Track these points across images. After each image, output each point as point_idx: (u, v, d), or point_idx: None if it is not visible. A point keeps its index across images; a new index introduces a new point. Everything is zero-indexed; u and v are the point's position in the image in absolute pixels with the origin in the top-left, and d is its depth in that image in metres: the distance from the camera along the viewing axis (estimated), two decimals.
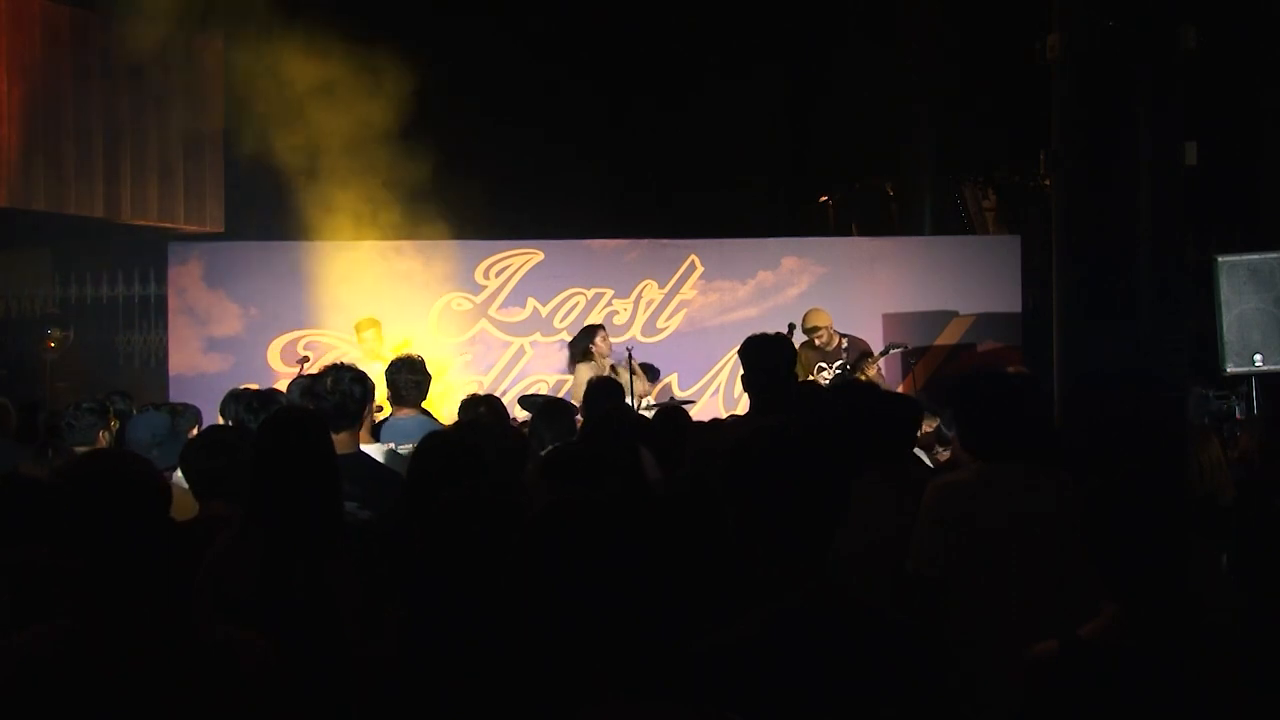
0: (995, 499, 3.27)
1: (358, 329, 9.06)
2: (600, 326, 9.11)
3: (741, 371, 4.74)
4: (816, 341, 8.87)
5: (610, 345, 8.95)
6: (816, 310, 9.02)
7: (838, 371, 8.68)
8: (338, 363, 4.62)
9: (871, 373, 8.59)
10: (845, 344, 8.83)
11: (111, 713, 2.08)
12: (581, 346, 8.98)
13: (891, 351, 9.02)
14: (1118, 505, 2.46)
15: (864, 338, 9.15)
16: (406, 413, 5.19)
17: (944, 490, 3.44)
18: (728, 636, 2.25)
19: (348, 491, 3.76)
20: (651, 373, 9.32)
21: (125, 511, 2.15)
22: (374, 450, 4.63)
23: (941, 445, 5.92)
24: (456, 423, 5.07)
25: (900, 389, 9.27)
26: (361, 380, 4.35)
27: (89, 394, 6.42)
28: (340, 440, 4.17)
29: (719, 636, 2.25)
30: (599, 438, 4.00)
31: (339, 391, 4.23)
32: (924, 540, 3.34)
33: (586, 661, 1.86)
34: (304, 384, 5.71)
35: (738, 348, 4.85)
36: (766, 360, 4.67)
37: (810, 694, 2.19)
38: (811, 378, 8.76)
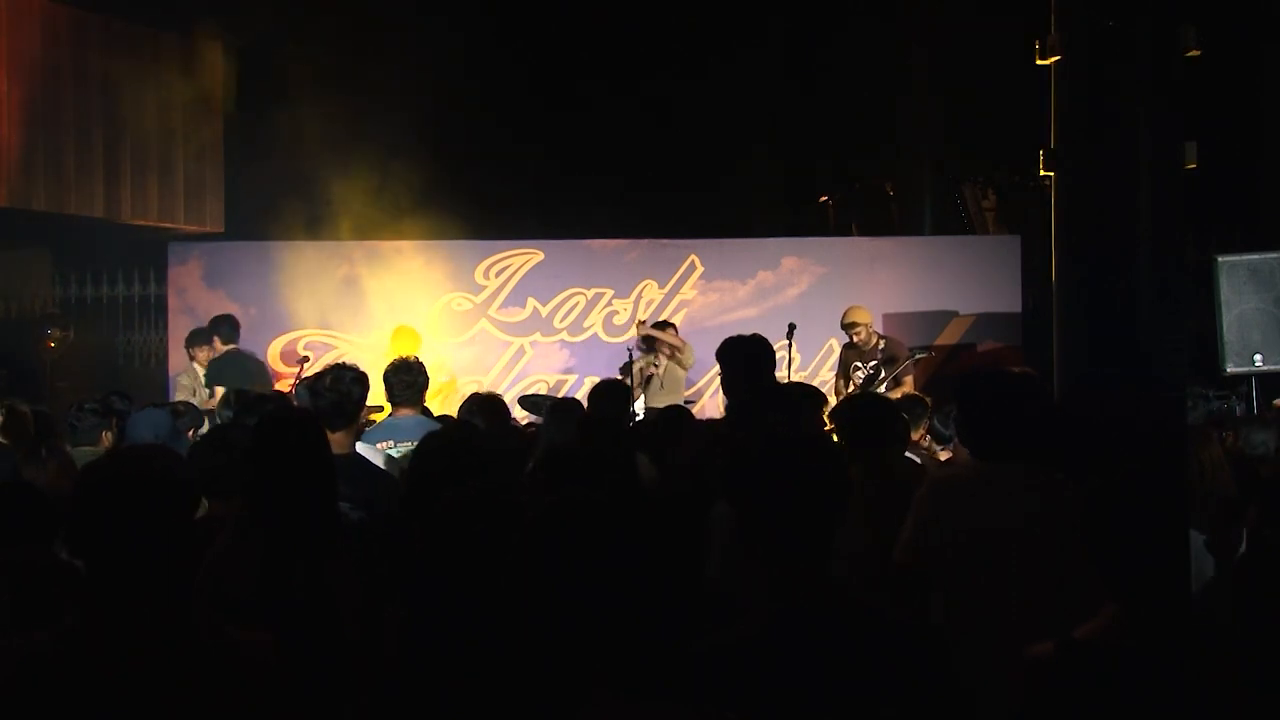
0: (995, 498, 3.28)
1: (395, 337, 9.02)
2: (666, 324, 9.13)
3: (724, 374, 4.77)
4: (855, 339, 8.83)
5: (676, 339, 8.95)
6: (857, 307, 8.95)
7: (870, 372, 8.66)
8: (339, 362, 4.62)
9: (908, 383, 8.57)
10: (882, 345, 8.82)
11: (113, 713, 2.07)
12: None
13: (917, 357, 8.99)
14: (1118, 505, 2.46)
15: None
16: (405, 412, 5.19)
17: (941, 486, 3.44)
18: (728, 636, 2.25)
19: (341, 492, 3.76)
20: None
21: (152, 511, 2.14)
22: (365, 450, 4.62)
23: (940, 444, 5.93)
24: (456, 422, 5.08)
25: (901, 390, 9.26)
26: (361, 381, 4.35)
27: (89, 394, 6.42)
28: (335, 440, 4.16)
29: (719, 636, 2.25)
30: (597, 439, 4.00)
31: (338, 390, 4.22)
32: (912, 533, 3.35)
33: (586, 661, 1.86)
34: (309, 383, 5.71)
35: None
36: (745, 361, 4.68)
37: (810, 694, 2.19)
38: (851, 379, 8.77)
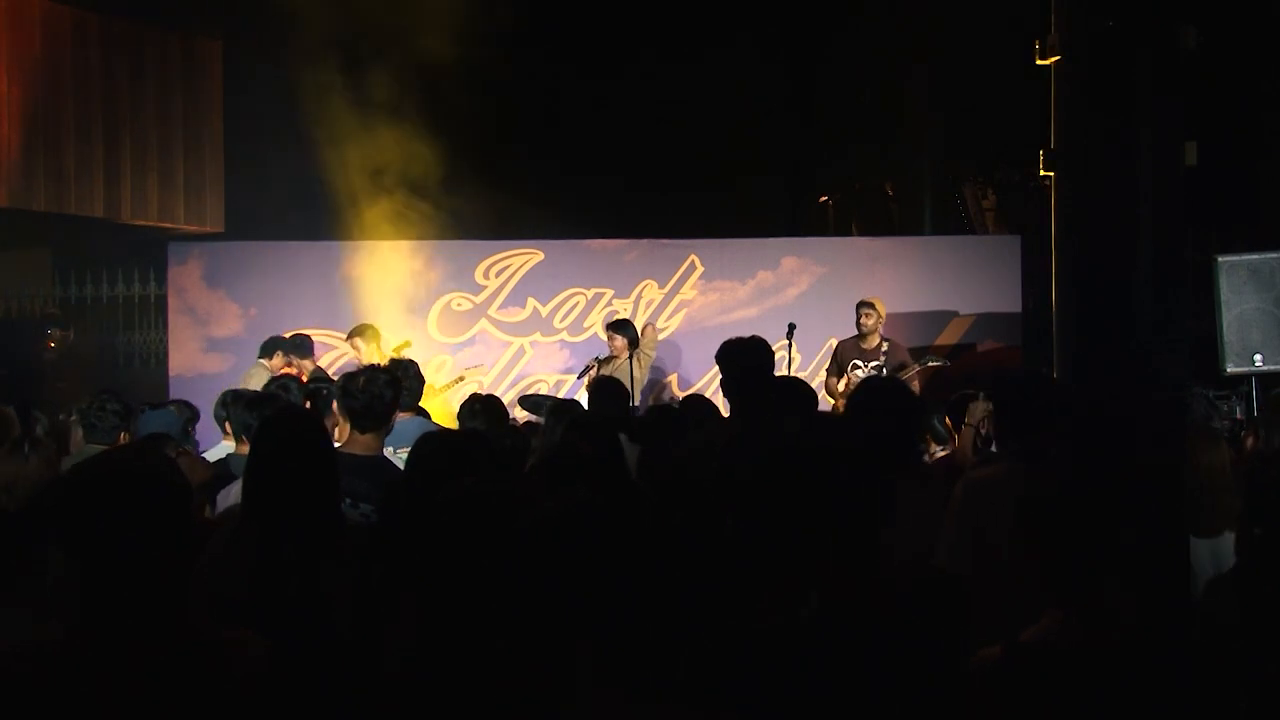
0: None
1: (354, 337, 8.94)
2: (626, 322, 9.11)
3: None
4: (863, 320, 8.73)
5: (620, 344, 8.87)
6: (878, 299, 8.93)
7: (872, 372, 8.62)
8: (373, 364, 4.59)
9: (915, 387, 8.54)
10: (886, 347, 8.78)
11: (110, 713, 2.07)
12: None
13: (930, 364, 8.94)
14: (1056, 511, 2.47)
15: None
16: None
17: (977, 487, 3.45)
18: (739, 635, 2.24)
19: (366, 494, 3.75)
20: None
21: (139, 511, 2.14)
22: None
23: (938, 443, 5.93)
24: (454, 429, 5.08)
25: None
26: (394, 385, 4.32)
27: (89, 394, 6.40)
28: (364, 441, 4.17)
29: (731, 634, 2.24)
30: (588, 438, 3.98)
31: (370, 393, 4.19)
32: (952, 537, 3.36)
33: (584, 660, 1.86)
34: (282, 381, 5.71)
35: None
36: (745, 362, 4.67)
37: (817, 692, 2.19)
38: (847, 376, 8.72)
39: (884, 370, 8.59)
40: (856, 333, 8.88)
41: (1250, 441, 5.32)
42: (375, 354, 8.56)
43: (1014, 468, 3.45)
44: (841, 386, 8.70)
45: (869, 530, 2.31)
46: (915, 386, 8.56)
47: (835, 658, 2.21)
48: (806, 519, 2.30)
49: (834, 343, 9.40)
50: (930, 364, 8.95)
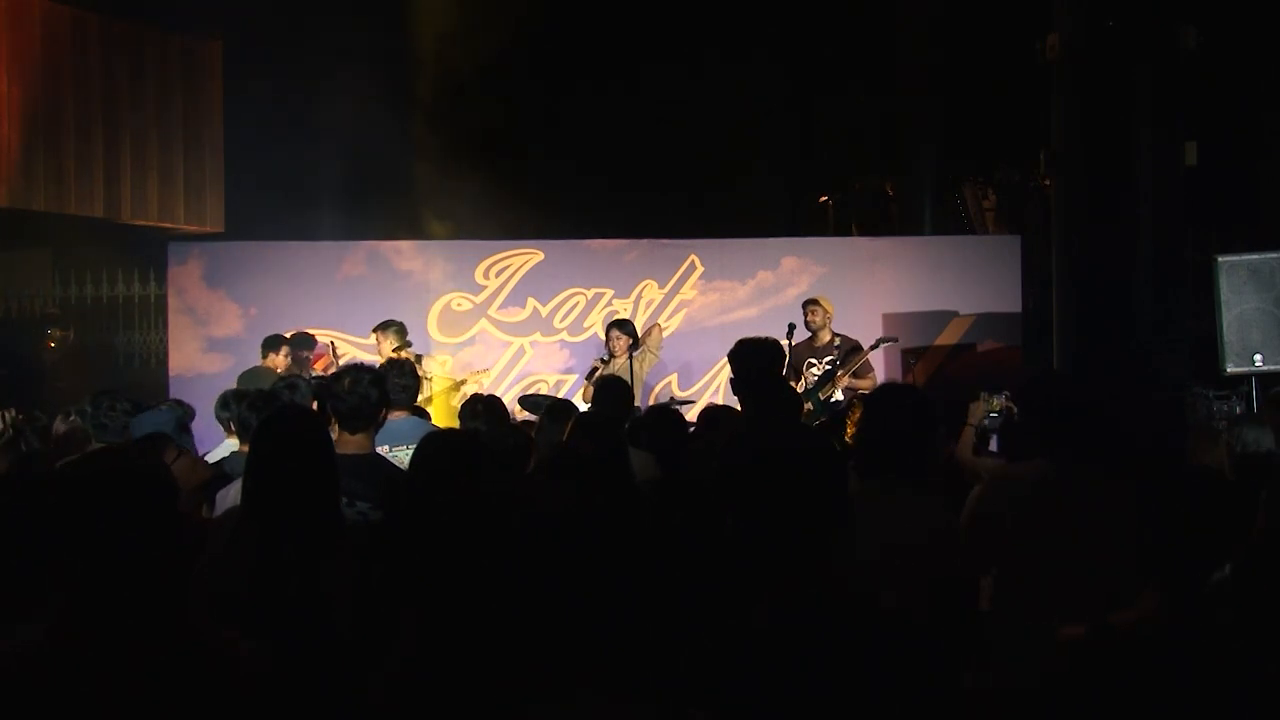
0: (1058, 497, 3.30)
1: (377, 331, 8.81)
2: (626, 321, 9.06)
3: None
4: (810, 319, 8.70)
5: (623, 343, 8.78)
6: (823, 297, 8.92)
7: (827, 368, 8.61)
8: (357, 363, 4.58)
9: (871, 379, 8.52)
10: (837, 342, 8.77)
11: (110, 713, 2.07)
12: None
13: (882, 345, 8.95)
14: (1168, 501, 2.49)
15: (864, 337, 9.10)
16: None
17: (1003, 483, 3.46)
18: (723, 635, 2.25)
19: (362, 493, 3.76)
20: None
21: (130, 510, 2.14)
22: None
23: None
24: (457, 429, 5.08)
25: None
26: (379, 384, 4.32)
27: (88, 395, 6.39)
28: (355, 441, 4.17)
29: (715, 635, 2.25)
30: (592, 438, 3.98)
31: (356, 393, 4.20)
32: (975, 530, 3.37)
33: (581, 660, 1.86)
34: (290, 380, 5.69)
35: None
36: (757, 362, 4.67)
37: (807, 693, 2.19)
38: (804, 376, 8.72)
39: (838, 362, 8.58)
40: (808, 334, 8.86)
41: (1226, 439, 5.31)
42: (394, 354, 8.50)
43: (1041, 466, 3.46)
44: (800, 389, 8.71)
45: (823, 534, 2.31)
46: (872, 378, 8.53)
47: (835, 658, 2.21)
48: (794, 518, 2.30)
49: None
50: (884, 343, 8.95)
